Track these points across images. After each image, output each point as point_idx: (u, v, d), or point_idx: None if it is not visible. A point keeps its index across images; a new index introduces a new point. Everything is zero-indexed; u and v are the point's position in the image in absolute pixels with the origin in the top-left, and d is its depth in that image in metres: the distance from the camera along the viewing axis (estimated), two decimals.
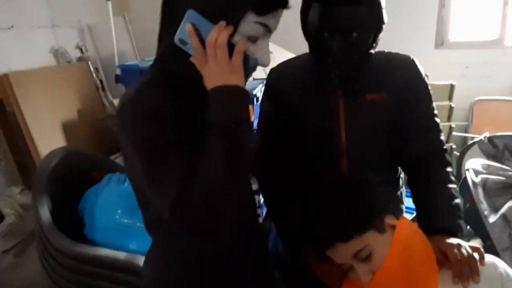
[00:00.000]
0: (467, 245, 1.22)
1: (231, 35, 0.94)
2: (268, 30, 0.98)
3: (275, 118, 1.51)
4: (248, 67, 0.97)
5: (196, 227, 0.88)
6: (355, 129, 1.42)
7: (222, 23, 0.92)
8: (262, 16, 0.94)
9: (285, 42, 2.84)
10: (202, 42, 0.92)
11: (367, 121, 1.42)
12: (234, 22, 0.93)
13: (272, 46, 1.13)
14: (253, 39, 0.97)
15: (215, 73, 0.92)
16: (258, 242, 1.28)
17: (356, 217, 1.18)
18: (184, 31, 0.92)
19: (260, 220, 2.00)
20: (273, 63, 1.34)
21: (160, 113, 0.91)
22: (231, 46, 0.92)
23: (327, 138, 1.44)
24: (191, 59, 0.94)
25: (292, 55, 1.71)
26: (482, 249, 1.23)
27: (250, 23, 0.94)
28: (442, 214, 1.33)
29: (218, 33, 0.91)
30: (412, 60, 1.47)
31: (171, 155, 0.89)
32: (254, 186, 1.50)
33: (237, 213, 0.94)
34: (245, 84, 0.96)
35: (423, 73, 1.46)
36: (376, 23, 1.31)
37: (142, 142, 0.90)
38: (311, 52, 1.42)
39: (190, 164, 0.87)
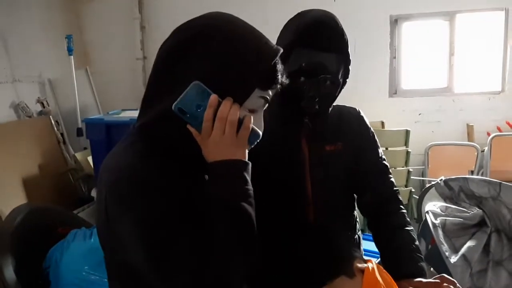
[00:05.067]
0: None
1: None
2: (267, 102, 0.97)
3: None
4: (251, 141, 0.95)
5: None
6: (319, 178, 1.46)
7: (229, 99, 0.89)
8: (265, 90, 0.94)
9: None
10: (197, 113, 0.88)
11: (330, 171, 1.47)
12: (243, 98, 0.91)
13: None
14: (252, 111, 0.95)
15: (221, 146, 0.89)
16: None
17: (326, 264, 1.20)
18: (187, 101, 0.87)
19: None
20: None
21: (165, 187, 0.87)
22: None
23: (293, 188, 1.47)
24: (189, 127, 0.90)
25: None
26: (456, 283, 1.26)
27: (254, 98, 0.93)
28: (405, 260, 1.37)
29: (229, 108, 0.88)
30: (359, 112, 1.56)
31: (180, 234, 0.85)
32: None
33: None
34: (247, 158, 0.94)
35: (368, 122, 1.56)
36: (345, 75, 1.38)
37: (151, 220, 0.85)
38: (279, 100, 1.44)
39: (199, 243, 0.85)
